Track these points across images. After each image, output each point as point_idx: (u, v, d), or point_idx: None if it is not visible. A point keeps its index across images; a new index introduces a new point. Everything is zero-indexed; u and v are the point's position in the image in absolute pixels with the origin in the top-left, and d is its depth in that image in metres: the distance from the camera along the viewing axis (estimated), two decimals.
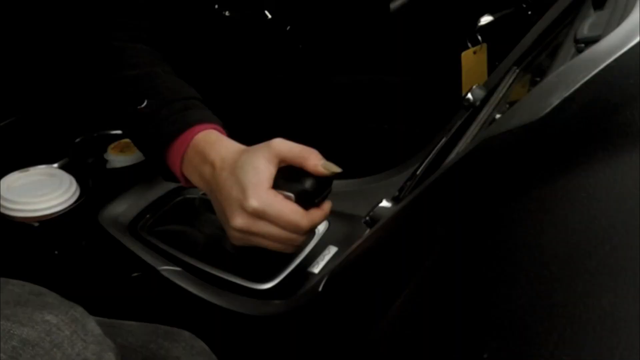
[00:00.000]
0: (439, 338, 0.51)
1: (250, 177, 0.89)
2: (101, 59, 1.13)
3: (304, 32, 1.54)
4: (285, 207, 0.89)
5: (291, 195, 0.92)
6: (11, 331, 0.64)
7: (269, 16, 1.43)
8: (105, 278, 1.13)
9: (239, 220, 0.90)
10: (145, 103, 1.02)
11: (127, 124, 1.08)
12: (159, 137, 1.01)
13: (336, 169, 0.92)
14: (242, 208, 0.89)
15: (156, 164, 1.05)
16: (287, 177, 0.93)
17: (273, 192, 0.89)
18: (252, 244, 0.95)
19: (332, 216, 1.07)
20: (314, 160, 0.90)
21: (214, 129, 1.00)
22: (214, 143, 0.97)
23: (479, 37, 1.28)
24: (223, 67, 1.44)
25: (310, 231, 0.97)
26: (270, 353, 1.00)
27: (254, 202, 0.88)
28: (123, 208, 1.17)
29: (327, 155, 1.00)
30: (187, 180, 1.02)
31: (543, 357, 0.32)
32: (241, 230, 0.92)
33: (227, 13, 1.37)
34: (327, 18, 1.61)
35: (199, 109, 1.04)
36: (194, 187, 1.03)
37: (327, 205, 0.96)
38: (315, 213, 0.92)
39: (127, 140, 1.29)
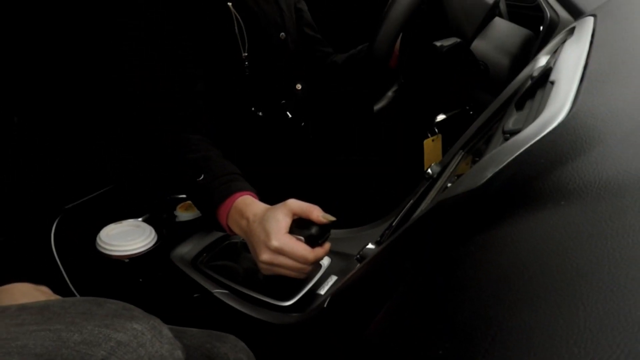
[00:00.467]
0: (408, 340, 0.49)
1: (273, 226, 0.93)
2: (173, 146, 1.13)
3: (313, 127, 1.54)
4: (297, 246, 0.92)
5: (302, 238, 0.94)
6: (110, 335, 0.67)
7: (290, 116, 1.45)
8: (175, 298, 1.15)
9: (265, 256, 0.93)
10: (202, 177, 1.05)
11: (190, 191, 1.11)
12: (212, 201, 1.04)
13: (332, 218, 0.95)
14: (267, 247, 0.92)
15: (210, 219, 1.07)
16: (299, 225, 0.95)
17: (288, 236, 0.92)
18: (275, 272, 0.97)
19: (332, 254, 1.12)
20: (317, 213, 0.93)
21: (249, 195, 1.04)
22: (248, 205, 1.00)
23: (436, 130, 1.26)
24: (255, 147, 1.42)
25: (316, 263, 0.99)
26: (290, 351, 1.00)
27: (275, 243, 0.91)
28: (187, 249, 1.18)
29: (329, 210, 1.02)
30: (231, 230, 1.04)
31: (480, 355, 0.33)
32: (267, 263, 0.94)
33: (260, 113, 1.37)
34: (329, 117, 1.63)
35: (239, 181, 1.07)
36: (236, 234, 1.04)
37: (327, 245, 0.98)
38: (319, 250, 0.95)
39: (190, 202, 1.30)
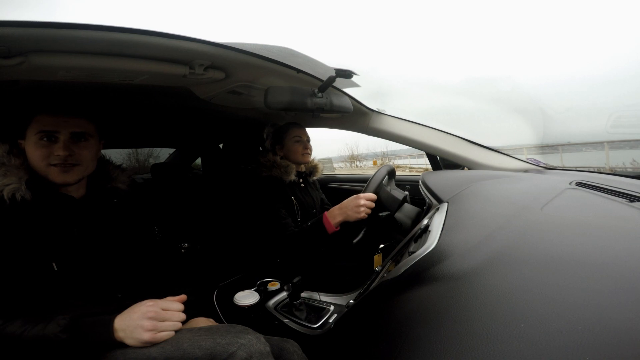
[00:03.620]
0: (368, 339, 0.56)
1: None
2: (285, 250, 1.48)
3: (328, 248, 1.72)
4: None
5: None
6: (238, 341, 0.77)
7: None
8: (266, 324, 1.29)
9: None
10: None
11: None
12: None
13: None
14: None
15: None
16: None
17: None
18: None
19: (335, 305, 1.33)
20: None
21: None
22: None
23: (379, 250, 1.40)
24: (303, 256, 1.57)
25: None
26: (317, 347, 1.10)
27: None
28: (272, 302, 1.36)
29: (332, 283, 1.40)
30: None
31: (397, 348, 0.39)
32: None
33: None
34: (336, 245, 1.74)
35: None
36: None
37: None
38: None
39: (272, 280, 1.45)
